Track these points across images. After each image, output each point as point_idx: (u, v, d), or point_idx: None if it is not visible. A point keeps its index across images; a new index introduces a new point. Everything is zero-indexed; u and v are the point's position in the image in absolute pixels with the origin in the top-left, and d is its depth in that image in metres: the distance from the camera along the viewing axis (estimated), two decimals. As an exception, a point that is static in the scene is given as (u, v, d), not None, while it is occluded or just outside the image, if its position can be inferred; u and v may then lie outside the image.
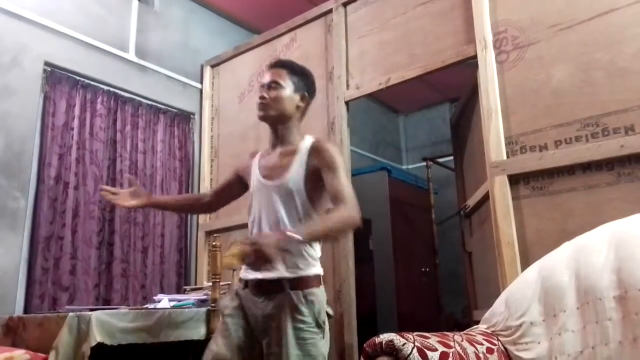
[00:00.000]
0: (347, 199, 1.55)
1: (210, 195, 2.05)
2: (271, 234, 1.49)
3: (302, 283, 1.58)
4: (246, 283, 1.67)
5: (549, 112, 2.15)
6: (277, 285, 1.58)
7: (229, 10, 4.09)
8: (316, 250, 1.66)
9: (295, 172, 1.65)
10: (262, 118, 1.74)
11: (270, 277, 1.58)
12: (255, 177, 1.76)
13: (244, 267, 1.69)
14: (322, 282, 1.66)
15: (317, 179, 1.64)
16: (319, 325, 1.56)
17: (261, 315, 1.60)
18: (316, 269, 1.64)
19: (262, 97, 1.72)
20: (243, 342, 1.61)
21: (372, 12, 2.96)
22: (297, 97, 1.75)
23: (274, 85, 1.72)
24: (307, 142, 1.72)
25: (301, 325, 1.54)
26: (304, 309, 1.55)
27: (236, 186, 1.93)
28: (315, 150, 1.67)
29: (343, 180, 1.61)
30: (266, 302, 1.59)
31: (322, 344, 1.56)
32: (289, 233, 1.43)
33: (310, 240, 1.55)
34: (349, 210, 1.53)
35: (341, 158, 1.68)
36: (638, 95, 1.95)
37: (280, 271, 1.57)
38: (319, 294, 1.61)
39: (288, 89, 1.73)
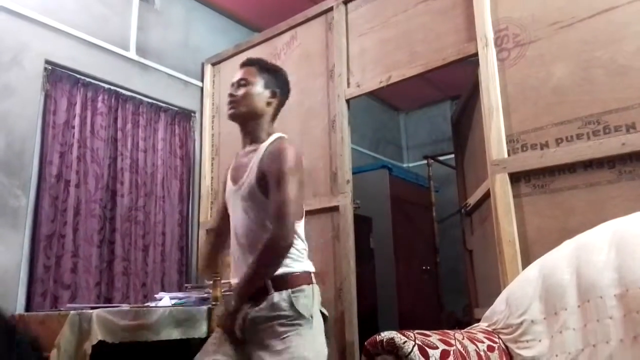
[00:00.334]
0: (278, 221, 1.48)
1: (218, 226, 1.84)
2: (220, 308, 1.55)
3: (287, 282, 1.51)
4: (230, 288, 1.66)
5: (550, 110, 2.15)
6: (261, 289, 1.50)
7: (229, 8, 4.09)
8: (296, 245, 1.55)
9: (252, 174, 1.60)
10: (231, 116, 1.70)
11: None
12: (227, 184, 1.74)
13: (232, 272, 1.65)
14: (312, 280, 1.58)
15: (260, 179, 1.57)
16: (301, 316, 1.47)
17: (247, 322, 1.52)
18: (303, 265, 1.56)
19: (230, 95, 1.69)
20: (231, 356, 1.53)
21: (372, 9, 2.96)
22: (267, 93, 1.70)
23: (243, 82, 1.69)
24: (269, 140, 1.66)
25: (281, 321, 1.47)
26: (284, 305, 1.48)
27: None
28: (269, 153, 1.60)
29: (281, 195, 1.50)
30: (253, 309, 1.52)
31: (309, 334, 1.47)
32: (225, 302, 1.53)
33: (244, 297, 1.51)
34: (274, 240, 1.47)
35: (294, 165, 1.55)
36: (639, 93, 1.95)
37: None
38: (306, 291, 1.53)
39: (258, 85, 1.69)
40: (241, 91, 1.68)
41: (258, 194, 1.57)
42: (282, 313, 1.48)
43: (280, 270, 1.51)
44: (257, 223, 1.56)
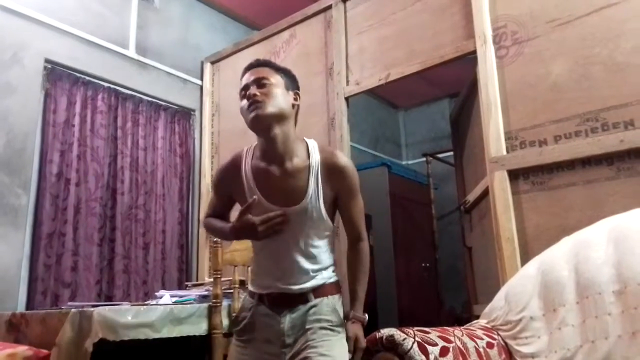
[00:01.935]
0: (364, 233, 1.58)
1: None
2: (354, 328, 1.49)
3: (324, 290, 1.48)
4: (260, 297, 1.49)
5: (548, 107, 2.16)
6: (300, 298, 1.45)
7: (228, 6, 4.09)
8: (331, 256, 1.55)
9: (314, 195, 1.44)
10: (256, 119, 1.42)
11: (291, 292, 1.44)
12: (257, 201, 1.44)
13: (255, 279, 1.53)
14: (341, 290, 1.55)
15: (332, 200, 1.50)
16: (341, 326, 1.46)
17: (285, 330, 1.42)
18: (335, 277, 1.54)
19: (250, 96, 1.43)
20: None
21: (371, 8, 2.96)
22: (291, 95, 1.51)
23: (264, 81, 1.45)
24: (314, 155, 1.48)
25: (325, 325, 1.43)
26: (327, 311, 1.45)
27: (233, 203, 1.63)
28: (332, 170, 1.47)
29: (360, 208, 1.56)
30: (289, 316, 1.43)
31: (345, 344, 1.45)
32: (360, 321, 1.51)
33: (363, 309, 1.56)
34: (366, 250, 1.58)
35: (356, 174, 1.52)
36: (637, 90, 1.96)
37: (300, 284, 1.45)
38: (341, 298, 1.52)
39: (280, 85, 1.48)
40: (263, 90, 1.44)
41: (323, 215, 1.47)
42: (324, 317, 1.44)
43: (319, 282, 1.47)
44: (315, 239, 1.49)
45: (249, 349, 1.46)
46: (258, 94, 1.43)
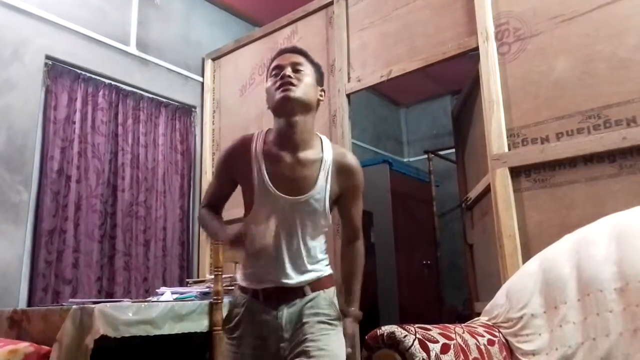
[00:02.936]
0: (361, 233, 1.60)
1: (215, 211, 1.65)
2: (353, 325, 1.52)
3: (320, 283, 1.48)
4: (253, 293, 1.46)
5: (550, 104, 2.15)
6: (297, 292, 1.44)
7: (229, 2, 4.08)
8: (325, 251, 1.55)
9: (321, 189, 1.44)
10: (285, 100, 1.39)
11: (288, 286, 1.43)
12: (263, 184, 1.43)
13: (247, 274, 1.51)
14: (334, 283, 1.56)
15: (336, 197, 1.50)
16: (339, 319, 1.47)
17: (283, 325, 1.41)
18: (329, 270, 1.55)
19: (287, 76, 1.40)
20: None
21: (373, 4, 2.95)
22: (318, 90, 1.50)
23: (299, 67, 1.44)
24: (327, 151, 1.48)
25: (323, 319, 1.42)
26: (324, 305, 1.45)
27: (231, 190, 1.61)
28: (343, 168, 1.48)
29: (361, 208, 1.58)
30: (285, 310, 1.42)
31: (342, 337, 1.45)
32: (357, 318, 1.54)
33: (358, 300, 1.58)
34: (362, 248, 1.62)
35: (362, 176, 1.54)
36: (640, 87, 1.95)
37: (297, 278, 1.45)
38: (335, 290, 1.53)
39: (311, 77, 1.47)
40: (298, 75, 1.43)
41: (326, 209, 1.46)
42: (322, 311, 1.44)
43: (315, 276, 1.48)
44: (312, 234, 1.48)
45: (242, 347, 1.44)
46: (292, 76, 1.42)
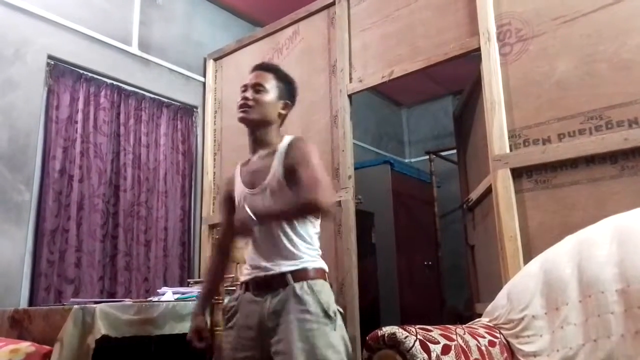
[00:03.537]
0: (320, 184, 1.48)
1: (224, 240, 1.81)
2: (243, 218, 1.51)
3: (305, 274, 1.52)
4: (246, 285, 1.59)
5: (552, 105, 2.15)
6: (280, 280, 1.51)
7: (231, 3, 4.08)
8: (314, 244, 1.59)
9: (276, 171, 1.59)
10: (243, 120, 1.65)
11: (271, 273, 1.52)
12: (240, 190, 1.67)
13: (245, 267, 1.63)
14: (326, 278, 1.59)
15: (294, 177, 1.55)
16: (328, 316, 1.47)
17: (266, 314, 1.50)
18: (318, 263, 1.58)
19: (244, 98, 1.64)
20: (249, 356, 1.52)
21: (374, 4, 2.95)
22: (280, 105, 1.69)
23: (259, 88, 1.66)
24: (285, 141, 1.65)
25: (306, 316, 1.45)
26: (308, 298, 1.47)
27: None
28: (292, 148, 1.61)
29: (318, 172, 1.52)
30: (270, 300, 1.50)
31: (334, 336, 1.46)
32: (249, 212, 1.46)
33: (264, 218, 1.49)
34: (317, 194, 1.45)
35: (318, 157, 1.59)
36: (642, 88, 1.95)
37: (280, 266, 1.52)
38: (325, 285, 1.55)
39: (272, 93, 1.67)
40: (256, 96, 1.65)
41: (286, 189, 1.55)
42: (307, 308, 1.46)
43: (299, 266, 1.52)
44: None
45: (232, 337, 1.57)
46: (250, 98, 1.65)
